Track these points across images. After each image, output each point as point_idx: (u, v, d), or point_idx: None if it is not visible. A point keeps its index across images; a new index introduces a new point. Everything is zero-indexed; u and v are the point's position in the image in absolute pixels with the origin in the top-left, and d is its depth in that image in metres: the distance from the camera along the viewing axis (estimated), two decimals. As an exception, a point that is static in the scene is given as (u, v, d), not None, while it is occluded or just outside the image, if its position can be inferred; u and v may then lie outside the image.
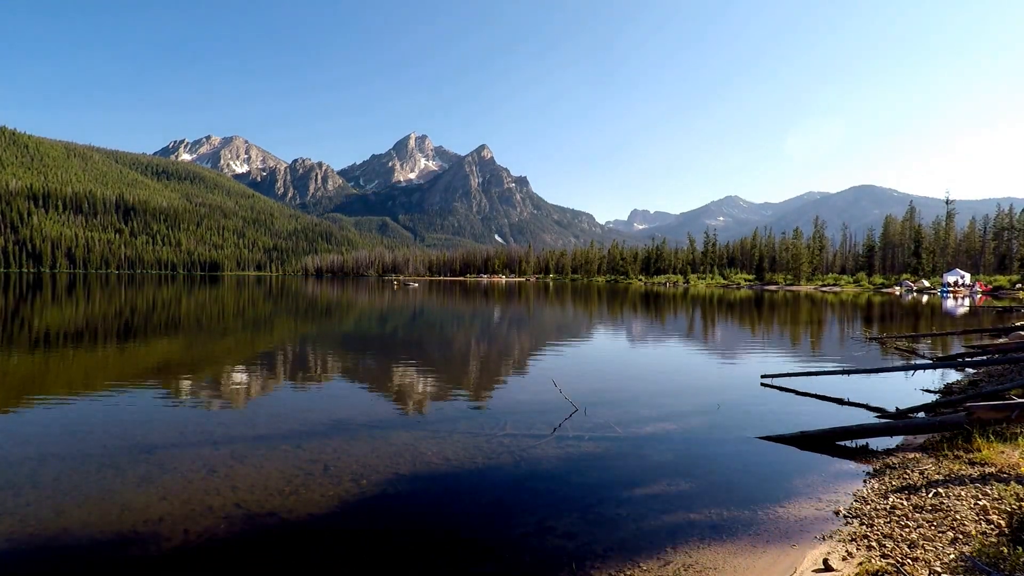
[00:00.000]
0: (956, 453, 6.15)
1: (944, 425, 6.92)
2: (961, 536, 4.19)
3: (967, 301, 50.96)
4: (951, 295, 65.15)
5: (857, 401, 9.42)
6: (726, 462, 6.35)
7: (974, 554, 3.84)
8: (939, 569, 3.72)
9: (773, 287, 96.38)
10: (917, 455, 6.44)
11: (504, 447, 6.84)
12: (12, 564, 4.06)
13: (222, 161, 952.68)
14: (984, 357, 13.43)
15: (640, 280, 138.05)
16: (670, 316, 30.75)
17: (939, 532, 4.31)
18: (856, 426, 7.07)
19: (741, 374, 12.19)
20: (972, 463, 5.76)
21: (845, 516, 4.86)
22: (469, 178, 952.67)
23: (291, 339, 18.90)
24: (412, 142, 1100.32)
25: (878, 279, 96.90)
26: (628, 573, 4.00)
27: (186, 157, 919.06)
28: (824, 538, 4.48)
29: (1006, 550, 3.80)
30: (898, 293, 72.55)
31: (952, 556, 3.88)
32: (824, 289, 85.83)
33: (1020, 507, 4.15)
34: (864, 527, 4.59)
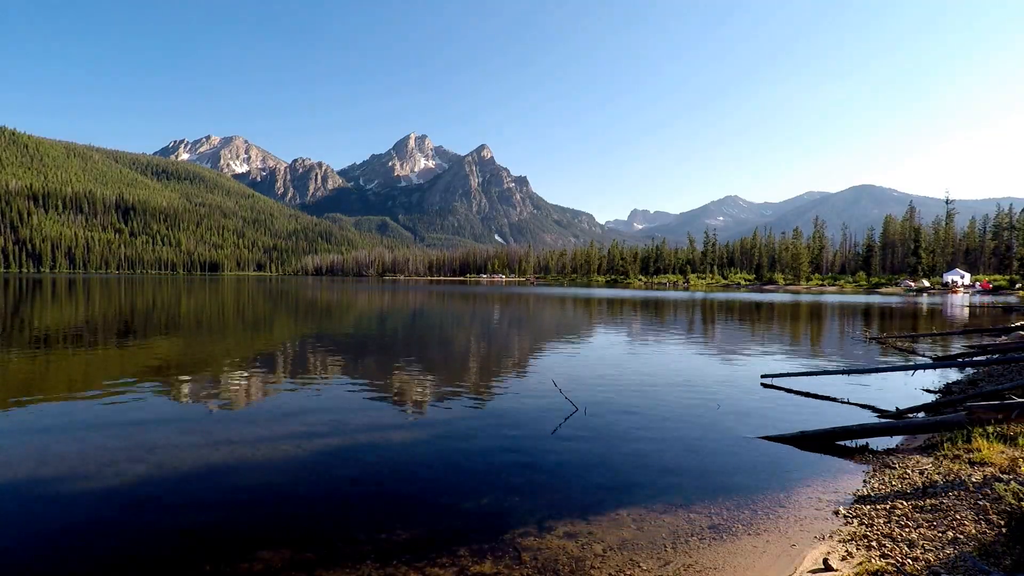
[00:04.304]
0: (956, 453, 6.15)
1: (944, 425, 6.93)
2: (961, 536, 4.19)
3: (967, 300, 50.97)
4: (950, 293, 65.26)
5: (857, 401, 9.42)
6: (726, 462, 6.36)
7: (974, 554, 3.84)
8: (939, 569, 3.72)
9: (772, 287, 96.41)
10: (917, 455, 6.45)
11: (504, 447, 6.85)
12: (12, 564, 4.06)
13: (222, 161, 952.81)
14: (984, 357, 13.44)
15: (640, 280, 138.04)
16: (670, 316, 30.76)
17: (939, 532, 4.31)
18: (856, 426, 7.08)
19: (741, 374, 12.19)
20: (972, 463, 5.77)
21: (845, 516, 4.87)
22: (469, 178, 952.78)
23: (292, 338, 18.90)
24: (412, 142, 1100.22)
25: (878, 279, 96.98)
26: (628, 573, 4.00)
27: (186, 157, 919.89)
28: (824, 538, 4.48)
29: (1006, 550, 3.81)
30: (911, 288, 72.65)
31: (952, 556, 3.89)
32: (824, 289, 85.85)
33: (1020, 507, 4.15)
34: (864, 527, 4.59)
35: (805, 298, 44.70)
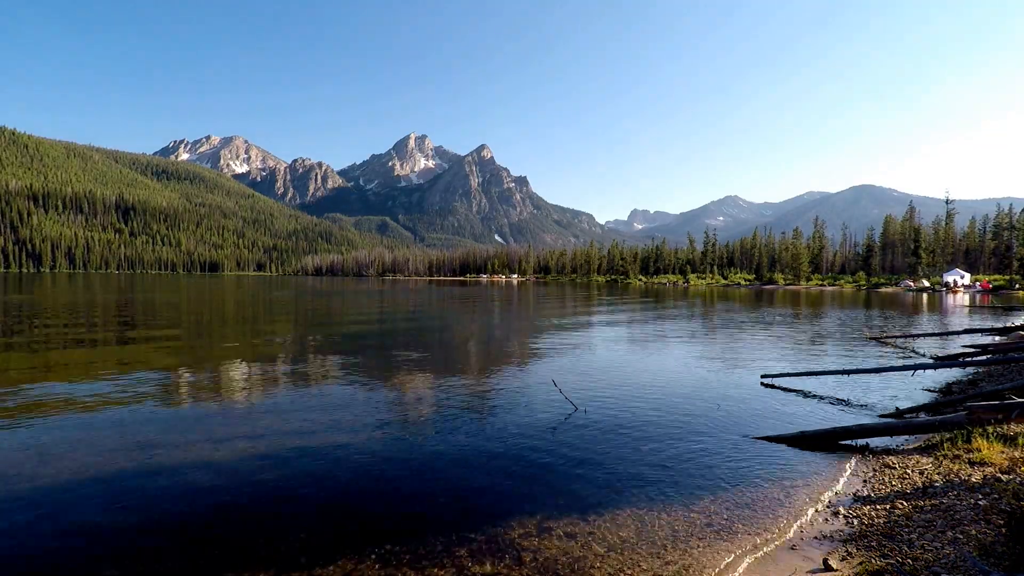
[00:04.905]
0: (956, 453, 6.15)
1: (944, 425, 6.93)
2: (961, 536, 4.19)
3: (967, 299, 51.00)
4: (950, 293, 65.35)
5: (857, 401, 9.42)
6: (726, 462, 6.36)
7: (974, 554, 3.84)
8: (939, 569, 3.72)
9: (773, 287, 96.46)
10: (917, 455, 6.45)
11: (504, 447, 6.85)
12: (13, 562, 4.06)
13: (222, 161, 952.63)
14: (984, 357, 13.44)
15: (640, 280, 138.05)
16: (670, 314, 30.73)
17: (939, 532, 4.31)
18: (856, 426, 7.08)
19: (741, 374, 12.18)
20: (972, 463, 5.77)
21: (845, 516, 4.87)
22: (469, 178, 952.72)
23: (293, 338, 18.89)
24: (412, 142, 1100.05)
25: (878, 279, 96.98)
26: (628, 573, 4.00)
27: (186, 157, 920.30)
28: (824, 538, 4.48)
29: (1006, 550, 3.81)
30: (911, 288, 72.63)
31: (952, 556, 3.89)
32: (823, 288, 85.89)
33: (1020, 507, 4.15)
34: (864, 527, 4.59)
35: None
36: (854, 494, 5.38)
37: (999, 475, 5.32)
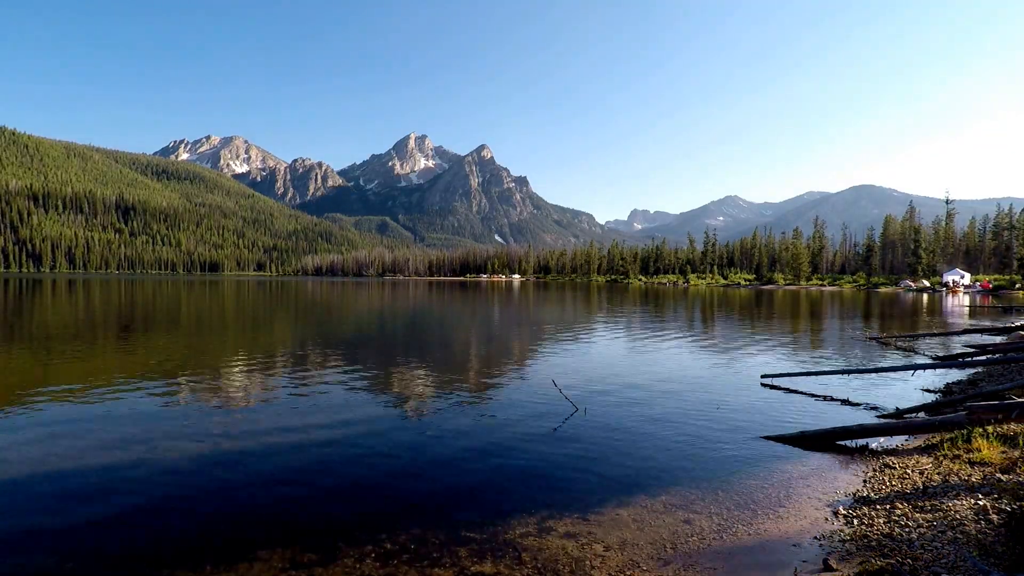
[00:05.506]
0: (956, 453, 6.15)
1: (944, 425, 6.93)
2: (961, 536, 4.19)
3: (967, 299, 51.02)
4: (950, 293, 65.43)
5: (857, 401, 9.43)
6: (726, 462, 6.36)
7: (974, 554, 3.84)
8: (939, 569, 3.72)
9: (772, 287, 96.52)
10: (917, 455, 6.45)
11: (504, 447, 6.85)
12: (13, 560, 4.06)
13: (222, 161, 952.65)
14: (984, 357, 13.44)
15: (640, 280, 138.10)
16: (670, 315, 30.75)
17: (939, 532, 4.31)
18: (856, 426, 7.08)
19: (741, 374, 12.19)
20: (972, 463, 5.77)
21: (845, 516, 4.87)
22: (469, 178, 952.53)
23: (293, 338, 18.90)
24: (412, 142, 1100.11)
25: (877, 278, 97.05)
26: (628, 573, 4.00)
27: (186, 157, 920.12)
28: (824, 538, 4.48)
29: (1006, 550, 3.81)
30: (911, 288, 72.65)
31: (952, 556, 3.89)
32: (824, 288, 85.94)
33: (1019, 507, 4.15)
34: (864, 527, 4.59)
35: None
36: (854, 494, 5.38)
37: (999, 475, 5.32)
